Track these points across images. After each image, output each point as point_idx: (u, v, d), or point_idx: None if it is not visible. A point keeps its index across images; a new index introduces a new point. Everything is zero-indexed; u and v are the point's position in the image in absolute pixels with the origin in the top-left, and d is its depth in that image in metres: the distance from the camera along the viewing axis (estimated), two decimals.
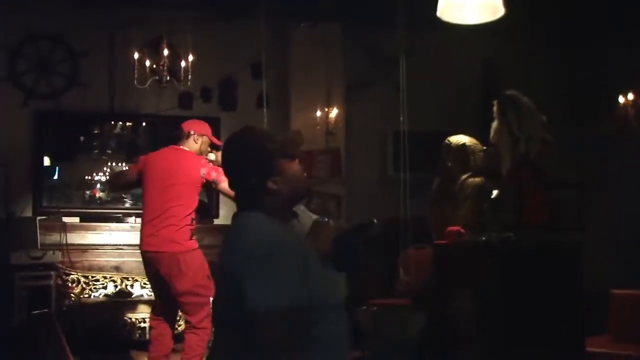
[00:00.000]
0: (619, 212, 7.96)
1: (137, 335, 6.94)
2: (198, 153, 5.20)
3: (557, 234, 4.37)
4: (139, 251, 5.51)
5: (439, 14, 3.81)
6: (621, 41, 8.02)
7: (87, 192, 8.17)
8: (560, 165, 4.77)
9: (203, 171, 5.01)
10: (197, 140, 5.23)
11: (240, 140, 2.43)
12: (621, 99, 7.57)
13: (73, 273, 7.18)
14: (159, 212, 5.00)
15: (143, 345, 6.83)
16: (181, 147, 5.24)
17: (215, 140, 5.36)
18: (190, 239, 5.03)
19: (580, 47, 8.43)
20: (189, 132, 5.25)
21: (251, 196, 2.35)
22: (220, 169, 4.82)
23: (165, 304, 5.19)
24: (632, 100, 7.53)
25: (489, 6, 3.75)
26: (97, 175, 8.23)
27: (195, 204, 5.07)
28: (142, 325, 6.95)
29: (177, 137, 5.32)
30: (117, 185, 6.08)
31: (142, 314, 6.98)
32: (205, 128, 5.32)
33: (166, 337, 5.23)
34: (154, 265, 5.07)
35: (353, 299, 2.31)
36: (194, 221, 5.08)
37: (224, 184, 4.72)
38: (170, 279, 5.00)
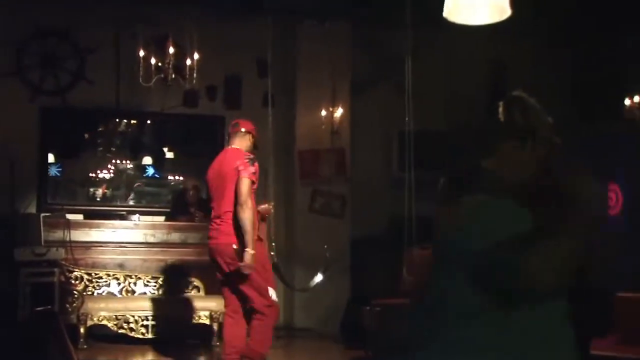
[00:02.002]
0: (628, 210, 7.90)
1: (142, 333, 6.94)
2: (247, 149, 5.22)
3: None
4: (143, 249, 5.51)
5: (445, 14, 3.78)
6: (628, 38, 7.99)
7: (92, 189, 8.17)
8: (567, 166, 4.73)
9: (237, 163, 5.04)
10: (247, 137, 5.28)
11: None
12: (627, 102, 7.55)
13: (76, 270, 7.19)
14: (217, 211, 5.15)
15: (145, 342, 6.86)
16: (232, 145, 5.27)
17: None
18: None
19: (587, 45, 8.40)
20: (242, 130, 5.27)
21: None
22: (249, 167, 4.89)
23: (233, 297, 5.23)
24: (639, 102, 7.51)
25: (496, 7, 3.73)
26: (101, 172, 8.23)
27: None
28: (145, 322, 6.94)
29: (231, 137, 5.32)
30: None
31: (145, 311, 6.97)
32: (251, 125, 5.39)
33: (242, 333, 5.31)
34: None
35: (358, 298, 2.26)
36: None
37: (243, 180, 4.89)
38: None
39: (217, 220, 5.10)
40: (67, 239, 7.17)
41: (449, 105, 8.16)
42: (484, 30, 3.96)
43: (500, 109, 4.79)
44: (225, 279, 5.18)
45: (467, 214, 2.15)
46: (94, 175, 8.21)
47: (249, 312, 5.28)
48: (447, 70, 8.15)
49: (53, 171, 8.03)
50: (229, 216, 5.02)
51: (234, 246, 4.90)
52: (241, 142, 5.22)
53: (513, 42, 8.03)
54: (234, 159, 5.02)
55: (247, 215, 4.86)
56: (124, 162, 8.35)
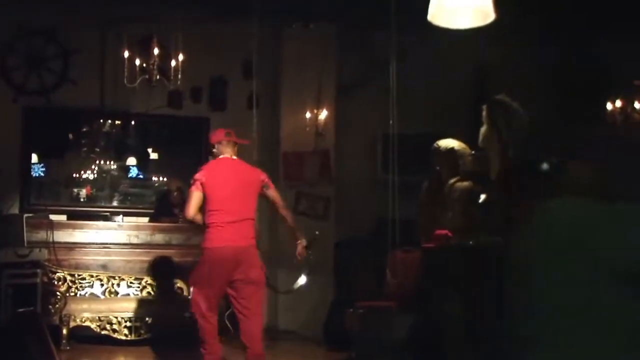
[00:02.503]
0: None
1: (125, 334, 6.92)
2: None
3: None
4: (127, 250, 5.43)
5: (429, 18, 3.80)
6: (611, 42, 8.04)
7: (75, 190, 8.14)
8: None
9: (262, 177, 5.39)
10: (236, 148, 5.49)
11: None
12: (609, 106, 7.60)
13: (59, 271, 7.16)
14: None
15: (128, 343, 6.84)
16: (229, 155, 5.41)
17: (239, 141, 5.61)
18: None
19: (571, 48, 8.43)
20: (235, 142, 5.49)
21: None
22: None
23: (220, 299, 5.47)
24: (620, 107, 7.56)
25: (479, 11, 3.75)
26: (85, 173, 8.20)
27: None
28: (128, 324, 6.93)
29: (224, 146, 5.41)
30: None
31: (128, 312, 6.96)
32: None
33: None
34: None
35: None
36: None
37: (275, 190, 5.50)
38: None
39: (236, 225, 5.19)
40: (51, 239, 7.14)
41: (435, 108, 8.18)
42: (469, 32, 3.98)
43: (483, 113, 4.83)
44: (228, 281, 5.20)
45: (596, 221, 1.99)
46: (77, 175, 8.17)
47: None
48: (433, 72, 8.17)
49: (36, 171, 7.99)
50: (250, 223, 5.26)
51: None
52: (234, 152, 5.41)
53: (498, 43, 8.05)
54: (256, 172, 5.40)
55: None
56: (108, 162, 8.33)
